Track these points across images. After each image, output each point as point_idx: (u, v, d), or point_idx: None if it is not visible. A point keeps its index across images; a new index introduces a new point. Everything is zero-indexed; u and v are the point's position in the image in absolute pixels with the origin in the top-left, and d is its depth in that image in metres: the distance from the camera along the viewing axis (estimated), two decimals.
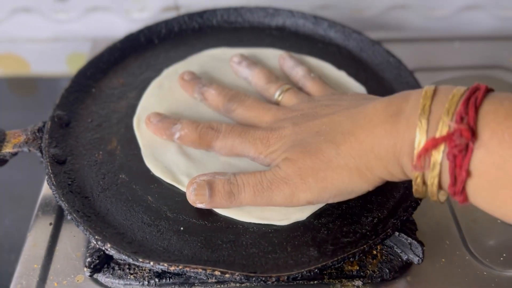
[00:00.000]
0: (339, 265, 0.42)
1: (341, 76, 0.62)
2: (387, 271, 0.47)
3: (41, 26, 0.86)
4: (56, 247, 0.50)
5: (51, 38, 0.88)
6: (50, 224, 0.52)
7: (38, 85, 0.96)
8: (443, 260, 0.50)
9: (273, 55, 0.65)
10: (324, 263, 0.41)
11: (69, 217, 0.45)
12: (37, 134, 0.53)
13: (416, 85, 0.58)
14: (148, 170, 0.51)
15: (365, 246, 0.42)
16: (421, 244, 0.46)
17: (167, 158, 0.52)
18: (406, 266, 0.48)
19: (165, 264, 0.41)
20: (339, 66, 0.63)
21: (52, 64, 0.92)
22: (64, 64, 0.92)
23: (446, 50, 0.78)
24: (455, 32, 0.84)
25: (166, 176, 0.50)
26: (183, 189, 0.49)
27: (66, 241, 0.51)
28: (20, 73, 0.93)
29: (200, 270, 0.40)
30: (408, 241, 0.46)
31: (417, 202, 0.46)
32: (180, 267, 0.41)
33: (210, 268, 0.41)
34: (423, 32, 0.85)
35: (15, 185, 0.77)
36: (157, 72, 0.62)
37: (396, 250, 0.48)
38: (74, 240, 0.51)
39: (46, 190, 0.56)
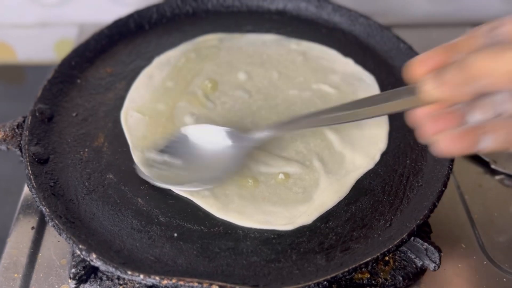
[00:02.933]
0: (350, 276, 0.38)
1: (348, 63, 0.57)
2: (401, 278, 0.43)
3: (27, 10, 0.81)
4: (38, 253, 0.46)
5: (37, 23, 0.83)
6: (32, 228, 0.48)
7: (25, 73, 0.91)
8: (459, 265, 0.46)
9: (271, 41, 0.60)
10: (333, 274, 0.37)
11: (50, 224, 0.41)
12: (17, 130, 0.48)
13: None
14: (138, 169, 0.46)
15: (378, 254, 0.38)
16: (438, 249, 0.42)
17: (159, 156, 0.47)
18: (420, 273, 0.44)
19: (157, 277, 0.37)
20: (345, 53, 0.59)
21: (39, 51, 0.87)
22: (52, 51, 0.87)
23: (457, 36, 0.73)
24: (465, 17, 0.79)
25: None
26: (176, 190, 0.45)
27: (50, 247, 0.46)
28: (6, 60, 0.88)
29: (195, 284, 0.36)
30: (424, 246, 0.42)
31: (434, 203, 0.42)
32: (173, 280, 0.36)
33: (207, 281, 0.36)
34: (432, 17, 0.81)
35: (0, 179, 0.72)
36: (148, 60, 0.57)
37: (410, 255, 0.44)
38: (59, 245, 0.46)
39: (28, 189, 0.51)
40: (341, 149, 0.48)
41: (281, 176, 0.46)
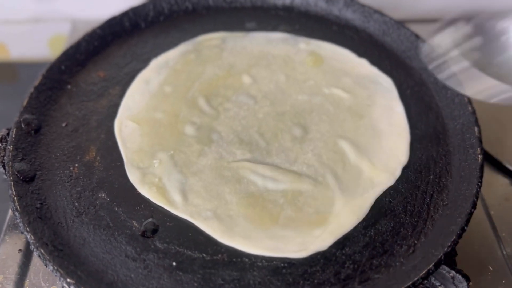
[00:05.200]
0: None
1: (362, 64, 0.53)
2: None
3: (18, 5, 0.76)
4: (26, 279, 0.42)
5: (30, 18, 0.79)
6: (19, 250, 0.44)
7: (19, 71, 0.87)
8: None
9: (278, 40, 0.55)
10: None
11: (36, 253, 0.37)
12: (0, 145, 0.44)
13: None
14: (133, 187, 0.42)
15: None
16: (467, 278, 0.38)
17: (156, 172, 0.43)
18: None
19: None
20: (358, 52, 0.54)
21: (33, 47, 0.83)
22: (46, 47, 0.83)
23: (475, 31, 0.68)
24: (483, 9, 0.73)
25: (154, 195, 0.41)
26: (176, 212, 0.41)
27: (39, 272, 0.43)
28: None
29: None
30: (451, 274, 0.38)
31: (463, 228, 0.38)
32: None
33: None
34: (447, 10, 0.75)
35: None
36: (144, 62, 0.53)
37: (435, 282, 0.39)
38: (48, 270, 0.42)
39: None
40: (357, 163, 0.44)
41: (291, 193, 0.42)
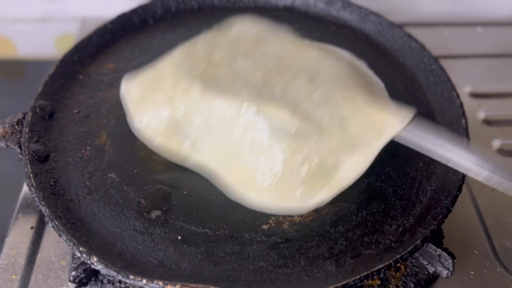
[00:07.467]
0: (361, 283, 0.36)
1: (360, 66, 0.55)
2: (412, 286, 0.42)
3: (28, 4, 0.79)
4: (37, 254, 0.45)
5: (39, 18, 0.81)
6: (32, 228, 0.46)
7: (25, 69, 0.90)
8: (472, 272, 0.45)
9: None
10: (344, 282, 0.36)
11: (50, 224, 0.39)
12: (16, 127, 0.47)
13: (441, 73, 0.52)
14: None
15: (391, 261, 0.37)
16: (452, 256, 0.40)
17: (162, 122, 0.45)
18: (432, 280, 0.43)
19: (160, 283, 0.35)
20: (355, 51, 0.57)
21: (40, 46, 0.85)
22: (53, 46, 0.86)
23: (468, 35, 0.72)
24: (476, 17, 0.77)
25: (163, 139, 0.45)
26: (186, 162, 0.44)
27: (49, 248, 0.45)
28: (6, 55, 0.86)
29: None
30: (437, 252, 0.41)
31: (448, 208, 0.41)
32: (177, 286, 0.35)
33: (212, 287, 0.35)
34: (441, 16, 0.79)
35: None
36: (152, 56, 0.56)
37: (422, 261, 0.42)
38: (58, 246, 0.45)
39: (27, 188, 0.50)
40: (366, 109, 0.43)
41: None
